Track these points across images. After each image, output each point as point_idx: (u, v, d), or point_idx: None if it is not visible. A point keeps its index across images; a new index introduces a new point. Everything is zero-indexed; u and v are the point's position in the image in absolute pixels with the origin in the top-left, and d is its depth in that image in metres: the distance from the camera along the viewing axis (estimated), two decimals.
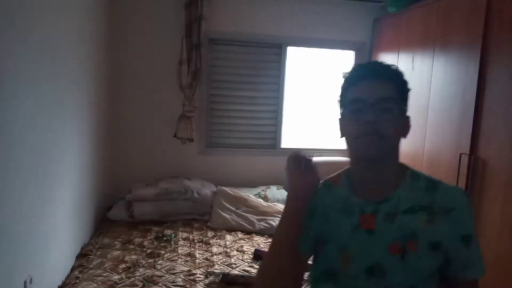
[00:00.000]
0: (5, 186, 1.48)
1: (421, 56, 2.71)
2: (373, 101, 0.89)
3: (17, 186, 1.58)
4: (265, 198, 3.24)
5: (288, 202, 0.95)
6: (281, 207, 3.12)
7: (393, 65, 0.96)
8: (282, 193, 3.33)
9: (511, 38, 1.92)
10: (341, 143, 3.80)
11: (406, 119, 0.97)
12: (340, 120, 0.99)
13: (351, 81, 0.95)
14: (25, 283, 1.64)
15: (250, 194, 3.21)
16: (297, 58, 3.54)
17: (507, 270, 1.89)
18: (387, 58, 3.23)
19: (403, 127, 0.95)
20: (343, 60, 3.67)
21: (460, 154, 2.19)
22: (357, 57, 3.62)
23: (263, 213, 3.03)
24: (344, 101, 0.96)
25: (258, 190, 3.35)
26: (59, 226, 2.09)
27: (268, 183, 3.47)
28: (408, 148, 2.83)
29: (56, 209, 2.03)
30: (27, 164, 1.67)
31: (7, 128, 1.48)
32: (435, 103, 2.52)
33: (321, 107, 3.69)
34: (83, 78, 2.44)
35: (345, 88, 0.97)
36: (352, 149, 0.95)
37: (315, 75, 3.64)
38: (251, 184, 3.43)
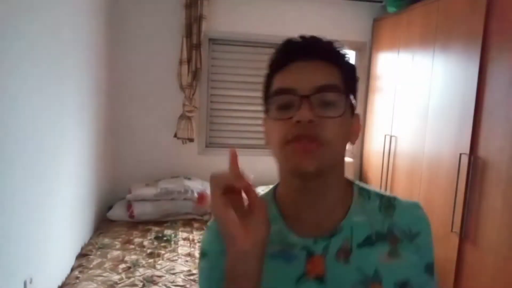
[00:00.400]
0: (5, 187, 1.48)
1: (421, 56, 2.71)
2: (309, 91, 0.64)
3: (17, 186, 1.58)
4: None
5: (231, 279, 0.61)
6: None
7: (336, 41, 0.70)
8: None
9: (511, 38, 1.92)
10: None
11: (355, 118, 0.72)
12: (265, 121, 0.72)
13: (278, 64, 0.69)
14: (25, 283, 1.64)
15: None
16: None
17: (507, 270, 1.89)
18: (387, 58, 3.23)
19: (351, 128, 0.70)
20: None
21: (460, 154, 2.19)
22: (357, 57, 3.62)
23: None
24: (269, 94, 0.70)
25: (258, 190, 3.34)
26: (59, 226, 2.09)
27: (268, 183, 3.46)
28: (408, 148, 2.83)
29: (56, 209, 2.03)
30: (27, 164, 1.67)
31: (7, 128, 1.48)
32: (435, 103, 2.52)
33: None
34: (83, 78, 2.44)
35: (270, 75, 0.70)
36: (281, 162, 0.68)
37: None
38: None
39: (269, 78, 0.71)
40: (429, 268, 0.71)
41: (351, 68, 0.71)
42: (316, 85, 0.65)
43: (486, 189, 2.04)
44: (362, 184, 0.76)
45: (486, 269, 2.01)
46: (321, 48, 0.69)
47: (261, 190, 3.33)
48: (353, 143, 0.72)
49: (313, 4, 3.43)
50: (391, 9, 3.15)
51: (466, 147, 2.16)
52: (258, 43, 3.42)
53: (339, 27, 3.50)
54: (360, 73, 3.68)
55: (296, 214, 0.71)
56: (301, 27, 3.44)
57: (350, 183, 0.75)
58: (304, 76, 0.66)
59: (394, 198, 0.74)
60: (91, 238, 2.65)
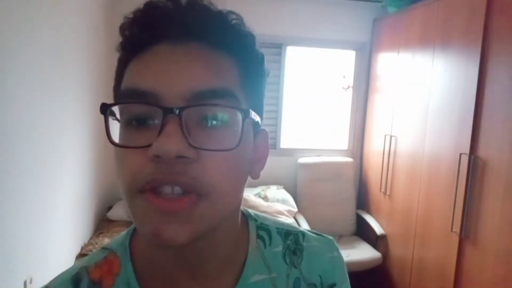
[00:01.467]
0: (4, 186, 1.48)
1: (421, 56, 2.71)
2: (180, 100, 0.38)
3: (17, 186, 1.58)
4: (265, 198, 3.24)
5: None
6: (281, 207, 3.12)
7: (231, 12, 0.47)
8: (282, 193, 3.33)
9: (511, 38, 1.92)
10: (342, 143, 3.73)
11: (260, 138, 0.47)
12: (109, 137, 0.42)
13: (131, 42, 0.46)
14: (25, 283, 1.64)
15: (250, 194, 3.21)
16: (297, 58, 3.54)
17: (508, 270, 1.89)
18: (387, 58, 3.23)
19: (254, 155, 0.46)
20: (343, 60, 3.67)
21: (460, 154, 2.19)
22: (357, 57, 3.62)
23: (263, 213, 3.02)
24: (117, 93, 0.45)
25: (258, 190, 3.35)
26: (59, 226, 2.09)
27: (268, 183, 3.47)
28: (408, 148, 2.83)
29: (56, 209, 2.03)
30: (27, 163, 1.67)
31: (6, 128, 1.48)
32: (435, 103, 2.52)
33: (321, 107, 3.70)
34: (83, 77, 2.44)
35: (124, 58, 0.47)
36: (132, 219, 0.42)
37: (315, 75, 3.65)
38: (251, 184, 3.43)
39: (122, 63, 0.46)
40: None
41: (256, 60, 0.47)
42: (193, 89, 0.38)
43: (486, 189, 2.04)
44: (260, 218, 0.56)
45: (486, 269, 2.01)
46: (205, 22, 0.41)
47: (261, 190, 3.33)
48: (256, 176, 0.47)
49: (313, 4, 3.43)
50: (391, 9, 3.15)
51: (466, 147, 2.16)
52: (258, 42, 3.40)
53: (339, 27, 3.50)
54: (360, 73, 3.71)
55: (165, 285, 0.45)
56: (301, 27, 3.46)
57: (244, 218, 0.54)
58: (173, 72, 0.39)
59: (303, 235, 0.56)
60: (91, 238, 2.65)
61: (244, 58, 0.45)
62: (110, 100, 0.44)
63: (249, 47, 0.46)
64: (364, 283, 2.79)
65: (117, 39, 0.47)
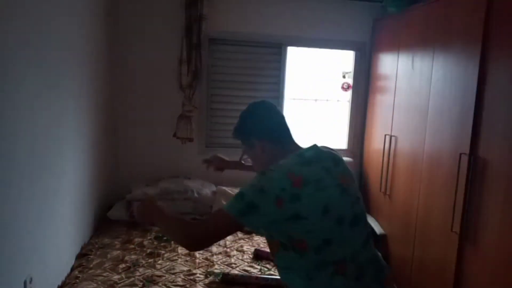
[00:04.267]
0: (4, 186, 1.48)
1: (421, 56, 2.71)
2: None
3: (17, 186, 1.58)
4: None
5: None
6: None
7: None
8: None
9: (511, 38, 1.92)
10: (342, 143, 3.72)
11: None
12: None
13: None
14: (25, 283, 1.65)
15: None
16: (297, 58, 3.54)
17: (507, 271, 1.89)
18: (387, 58, 3.23)
19: None
20: (343, 60, 3.67)
21: (460, 154, 2.19)
22: (357, 57, 3.62)
23: None
24: None
25: None
26: (59, 226, 2.09)
27: None
28: (408, 148, 2.83)
29: (56, 209, 2.03)
30: (27, 164, 1.67)
31: (7, 127, 1.48)
32: (435, 103, 2.52)
33: (321, 107, 3.70)
34: (83, 78, 2.44)
35: None
36: None
37: (315, 75, 3.65)
38: None
39: None
40: None
41: None
42: None
43: (486, 189, 2.04)
44: None
45: (486, 269, 2.01)
46: None
47: None
48: None
49: (313, 4, 3.43)
50: (391, 9, 3.15)
51: (466, 147, 2.16)
52: (258, 43, 3.42)
53: (339, 27, 3.50)
54: (360, 73, 3.72)
55: None
56: (301, 27, 3.46)
57: None
58: None
59: None
60: (91, 238, 2.65)
61: None
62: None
63: None
64: None
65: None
